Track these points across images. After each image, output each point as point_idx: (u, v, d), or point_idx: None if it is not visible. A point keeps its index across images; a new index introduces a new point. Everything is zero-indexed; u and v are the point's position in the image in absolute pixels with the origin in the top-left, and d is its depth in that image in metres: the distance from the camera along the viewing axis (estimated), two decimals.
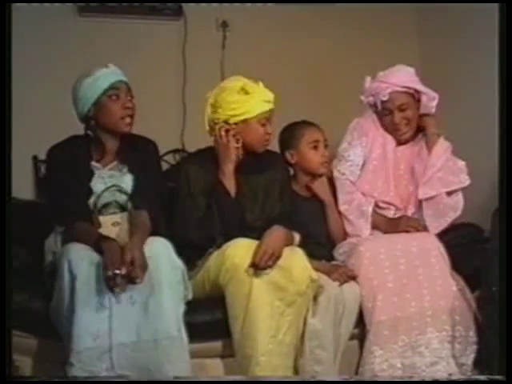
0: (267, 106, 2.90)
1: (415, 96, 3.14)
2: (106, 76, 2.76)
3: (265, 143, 2.94)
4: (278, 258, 2.67)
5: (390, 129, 3.16)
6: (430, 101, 3.15)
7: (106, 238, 2.55)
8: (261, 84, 2.93)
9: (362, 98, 3.19)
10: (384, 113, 3.14)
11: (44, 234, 2.72)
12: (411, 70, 3.16)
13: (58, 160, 2.76)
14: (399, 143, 3.20)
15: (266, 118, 2.91)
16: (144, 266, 2.46)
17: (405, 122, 3.13)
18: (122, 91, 2.77)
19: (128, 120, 2.77)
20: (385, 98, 3.10)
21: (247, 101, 2.88)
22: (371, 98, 3.15)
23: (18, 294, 2.57)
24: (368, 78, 3.16)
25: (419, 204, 3.11)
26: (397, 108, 3.11)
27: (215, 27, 4.03)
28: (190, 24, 3.95)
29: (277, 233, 2.74)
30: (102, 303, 2.43)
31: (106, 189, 2.74)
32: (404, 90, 3.10)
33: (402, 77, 3.12)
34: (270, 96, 2.92)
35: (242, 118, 2.88)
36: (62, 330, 2.49)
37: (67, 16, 3.78)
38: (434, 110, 3.18)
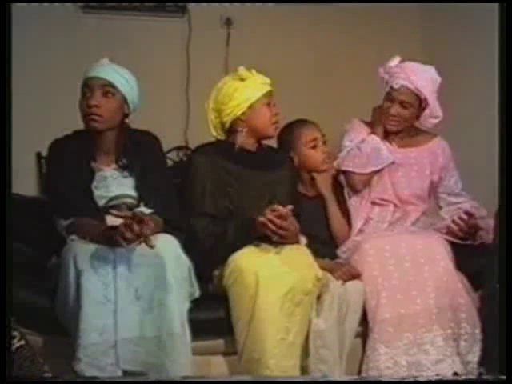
0: (266, 88, 2.91)
1: (422, 104, 3.12)
2: (86, 72, 2.73)
3: (275, 125, 2.94)
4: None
5: (383, 113, 3.14)
6: (432, 118, 3.14)
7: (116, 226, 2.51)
8: (253, 71, 2.93)
9: (381, 70, 3.16)
10: (387, 97, 3.13)
11: (48, 231, 2.71)
12: (437, 78, 3.12)
13: (59, 155, 2.73)
14: (399, 145, 3.19)
15: (269, 100, 2.91)
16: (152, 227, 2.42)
17: (396, 119, 3.12)
18: (92, 87, 2.69)
19: (93, 118, 2.68)
20: (396, 86, 3.08)
21: (246, 86, 2.88)
22: (386, 76, 3.13)
23: (23, 290, 2.57)
24: (398, 58, 3.13)
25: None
26: (399, 102, 3.09)
27: (219, 24, 4.04)
28: (194, 21, 3.97)
29: None
30: (107, 298, 2.43)
31: (115, 197, 2.72)
32: (415, 91, 3.08)
33: (422, 79, 3.07)
34: (266, 78, 2.93)
35: (246, 104, 2.88)
36: (67, 326, 2.48)
37: (70, 13, 3.79)
38: (429, 126, 3.19)
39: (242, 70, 2.89)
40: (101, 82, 2.71)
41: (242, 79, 2.88)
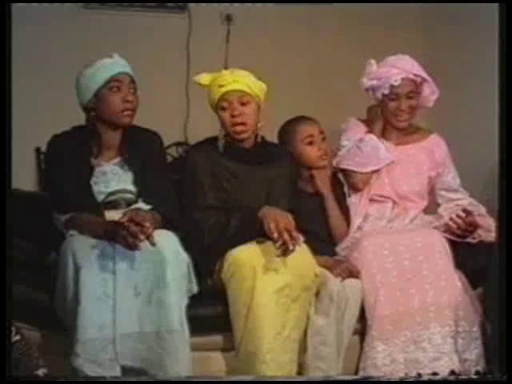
0: (221, 91, 2.82)
1: (418, 89, 3.14)
2: (108, 66, 2.73)
3: (235, 128, 2.84)
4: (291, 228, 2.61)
5: (391, 115, 3.14)
6: (432, 95, 3.16)
7: (116, 221, 2.52)
8: (224, 71, 2.89)
9: (364, 80, 3.14)
10: (390, 97, 3.11)
11: (48, 226, 2.71)
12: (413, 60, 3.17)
13: (58, 151, 2.74)
14: (396, 143, 3.20)
15: (229, 102, 2.82)
16: (146, 221, 2.44)
17: (408, 111, 3.13)
18: (123, 83, 2.73)
19: (128, 113, 2.73)
20: (396, 83, 3.08)
21: (207, 92, 2.89)
22: (375, 82, 3.11)
23: (23, 286, 2.58)
24: (373, 61, 3.14)
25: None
26: (405, 95, 3.10)
27: (219, 21, 4.04)
28: (195, 18, 3.96)
29: (273, 209, 2.71)
30: (106, 294, 2.44)
31: (113, 193, 2.73)
32: (414, 77, 3.10)
33: (412, 64, 3.12)
34: (226, 79, 2.83)
35: (212, 108, 2.89)
36: (66, 321, 2.49)
37: (71, 9, 3.78)
38: (431, 105, 3.19)
39: (198, 78, 2.89)
40: (129, 78, 2.75)
41: (205, 86, 2.87)
